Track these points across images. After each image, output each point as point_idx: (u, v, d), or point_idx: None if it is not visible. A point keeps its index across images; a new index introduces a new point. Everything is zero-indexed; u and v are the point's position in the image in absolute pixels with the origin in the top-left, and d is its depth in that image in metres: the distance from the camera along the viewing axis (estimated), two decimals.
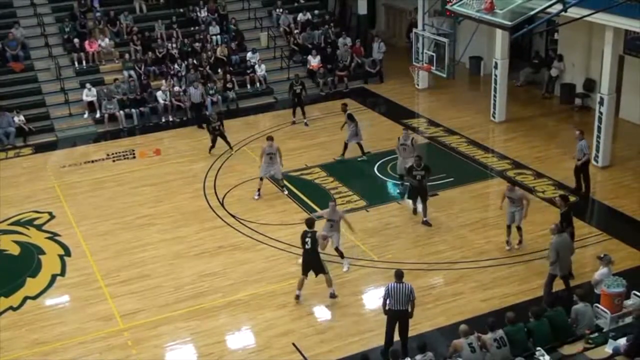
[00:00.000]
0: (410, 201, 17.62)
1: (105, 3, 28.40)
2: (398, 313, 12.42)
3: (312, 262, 14.20)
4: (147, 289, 15.19)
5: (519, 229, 15.85)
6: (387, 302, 12.43)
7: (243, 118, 24.66)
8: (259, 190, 18.70)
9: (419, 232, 16.93)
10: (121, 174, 20.73)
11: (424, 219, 17.10)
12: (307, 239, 14.09)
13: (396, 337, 12.63)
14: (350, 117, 20.61)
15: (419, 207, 17.37)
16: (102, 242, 17.12)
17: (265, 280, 15.33)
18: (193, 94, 24.32)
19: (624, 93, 21.97)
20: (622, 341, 11.10)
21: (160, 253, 16.55)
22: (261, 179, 18.69)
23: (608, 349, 11.15)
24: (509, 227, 15.84)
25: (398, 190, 18.61)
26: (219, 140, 21.39)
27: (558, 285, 13.82)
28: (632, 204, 17.70)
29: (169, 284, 15.32)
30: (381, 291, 12.74)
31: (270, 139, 18.66)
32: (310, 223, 14.43)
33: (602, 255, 13.13)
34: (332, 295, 14.43)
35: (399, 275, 12.37)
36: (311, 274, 14.37)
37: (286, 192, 18.87)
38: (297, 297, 14.46)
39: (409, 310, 12.47)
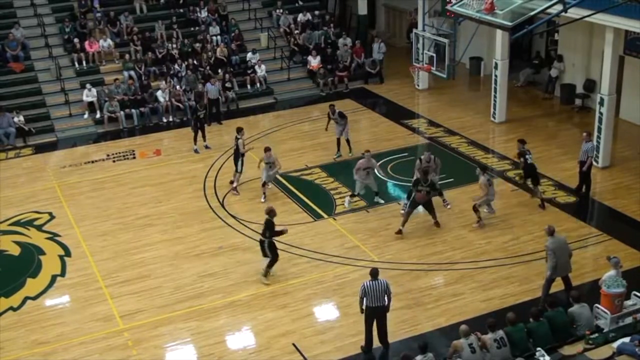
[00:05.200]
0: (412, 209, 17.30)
1: (106, 3, 28.40)
2: (375, 309, 12.60)
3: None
4: (147, 290, 15.19)
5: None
6: (364, 300, 12.58)
7: (243, 118, 24.65)
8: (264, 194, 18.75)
9: (419, 232, 16.93)
10: (121, 175, 20.73)
11: (435, 220, 16.98)
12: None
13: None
14: (342, 115, 20.87)
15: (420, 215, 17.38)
16: (102, 243, 17.13)
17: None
18: (210, 90, 24.37)
19: (624, 93, 21.97)
20: (627, 340, 11.13)
21: (161, 253, 16.55)
22: (264, 184, 18.72)
23: (614, 345, 11.17)
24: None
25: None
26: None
27: (558, 285, 13.82)
28: (633, 204, 17.70)
29: (169, 285, 15.32)
30: None
31: (267, 149, 18.60)
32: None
33: (611, 257, 13.08)
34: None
35: (374, 274, 12.60)
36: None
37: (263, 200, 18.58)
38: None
39: (386, 304, 12.61)
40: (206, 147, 22.15)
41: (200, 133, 22.03)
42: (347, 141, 21.04)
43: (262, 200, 18.54)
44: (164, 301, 14.78)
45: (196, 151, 21.87)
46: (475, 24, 15.51)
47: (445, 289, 14.82)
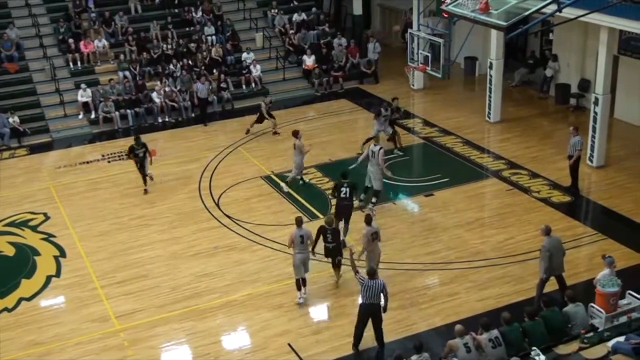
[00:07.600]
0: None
1: (101, 3, 28.38)
2: (370, 307, 12.72)
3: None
4: (143, 290, 15.18)
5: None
6: (361, 294, 12.75)
7: (238, 119, 24.65)
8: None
9: (415, 232, 16.95)
10: (116, 175, 20.71)
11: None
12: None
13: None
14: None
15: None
16: (98, 243, 17.11)
17: (261, 280, 15.33)
18: (200, 90, 24.39)
19: (618, 93, 22.04)
20: (621, 339, 11.16)
21: (156, 254, 16.55)
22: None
23: (609, 344, 11.21)
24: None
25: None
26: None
27: (552, 285, 13.85)
28: (627, 203, 17.75)
29: (165, 285, 15.32)
30: None
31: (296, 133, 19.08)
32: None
33: (605, 256, 13.12)
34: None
35: (371, 273, 12.74)
36: None
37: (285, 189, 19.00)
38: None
39: (382, 303, 12.72)
40: (150, 177, 19.63)
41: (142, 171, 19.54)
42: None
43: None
44: (160, 301, 14.77)
45: (145, 191, 19.49)
46: (470, 23, 15.55)
47: (440, 288, 14.84)
